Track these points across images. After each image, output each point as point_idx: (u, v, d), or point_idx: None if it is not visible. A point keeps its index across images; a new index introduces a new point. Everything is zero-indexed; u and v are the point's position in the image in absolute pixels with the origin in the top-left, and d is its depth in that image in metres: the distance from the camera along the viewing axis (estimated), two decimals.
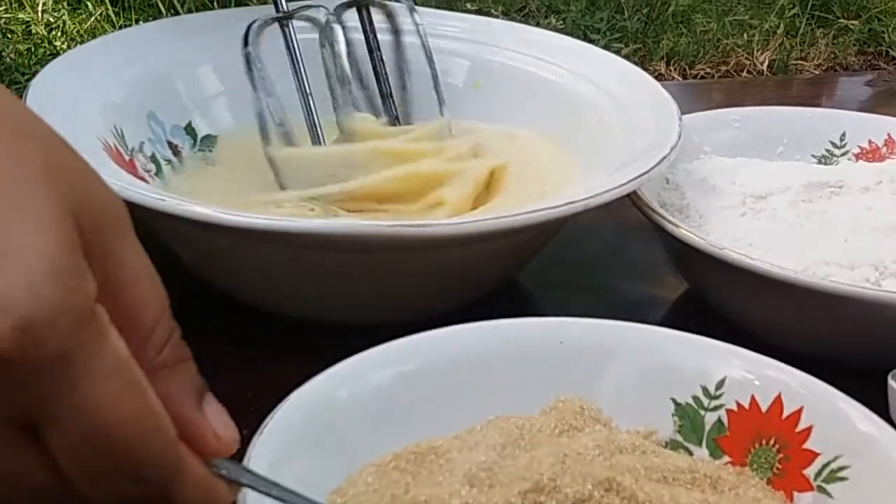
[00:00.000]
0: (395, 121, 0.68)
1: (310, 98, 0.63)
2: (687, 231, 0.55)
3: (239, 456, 0.40)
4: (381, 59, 0.68)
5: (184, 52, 0.66)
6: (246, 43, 0.63)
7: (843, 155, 0.70)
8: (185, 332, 0.59)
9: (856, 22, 2.43)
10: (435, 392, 0.46)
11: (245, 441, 0.41)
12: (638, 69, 0.67)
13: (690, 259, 0.58)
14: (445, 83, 0.69)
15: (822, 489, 0.43)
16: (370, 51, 0.68)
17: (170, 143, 0.65)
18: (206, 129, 0.67)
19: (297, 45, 0.64)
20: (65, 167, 0.31)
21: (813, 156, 0.70)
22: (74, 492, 0.30)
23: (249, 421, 0.42)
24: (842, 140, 0.70)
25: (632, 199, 0.58)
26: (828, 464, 0.43)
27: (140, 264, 0.32)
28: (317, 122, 0.63)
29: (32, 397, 0.28)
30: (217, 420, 0.34)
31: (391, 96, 0.68)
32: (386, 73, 0.68)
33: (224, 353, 0.56)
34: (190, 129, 0.66)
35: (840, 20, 2.44)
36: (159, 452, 0.31)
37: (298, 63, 0.64)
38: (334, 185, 0.59)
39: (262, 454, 0.40)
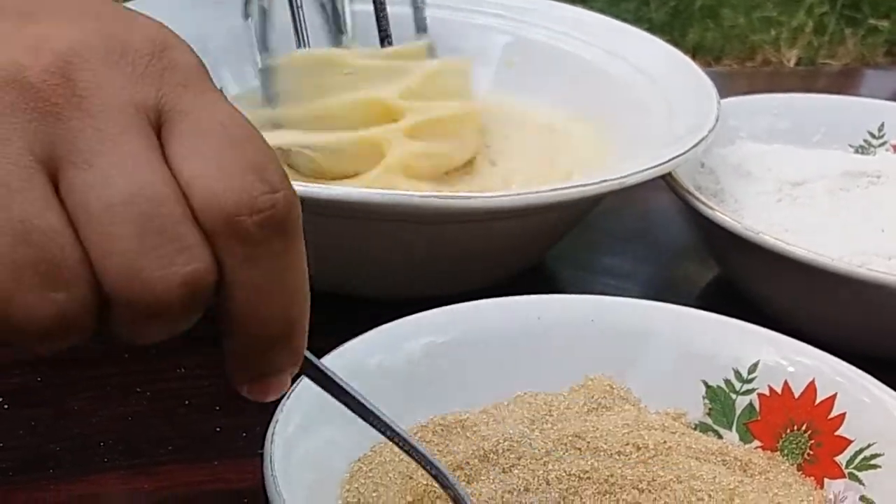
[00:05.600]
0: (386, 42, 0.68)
1: (300, 11, 0.63)
2: (723, 215, 0.54)
3: (266, 419, 0.40)
4: None
5: (219, 16, 0.66)
6: None
7: (881, 145, 0.69)
8: None
9: (885, 22, 2.41)
10: (465, 365, 0.45)
11: (274, 405, 0.41)
12: (676, 50, 0.66)
13: (725, 244, 0.57)
14: (480, 59, 0.69)
15: (853, 476, 0.43)
16: None
17: None
18: (236, 94, 0.66)
19: None
20: None
21: (850, 145, 0.69)
22: (188, 216, 0.27)
23: None
24: (880, 131, 0.69)
25: (667, 182, 0.58)
26: (860, 451, 0.43)
27: None
28: (305, 33, 0.64)
29: (170, 83, 0.28)
30: None
31: (384, 17, 0.67)
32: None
33: None
34: None
35: (869, 20, 2.42)
36: (283, 172, 0.29)
37: None
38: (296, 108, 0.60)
39: (290, 417, 0.40)
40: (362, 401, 0.35)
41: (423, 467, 0.37)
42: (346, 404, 0.35)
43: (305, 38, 0.64)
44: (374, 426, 0.36)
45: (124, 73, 0.28)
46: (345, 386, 0.35)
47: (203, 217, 0.27)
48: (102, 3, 0.30)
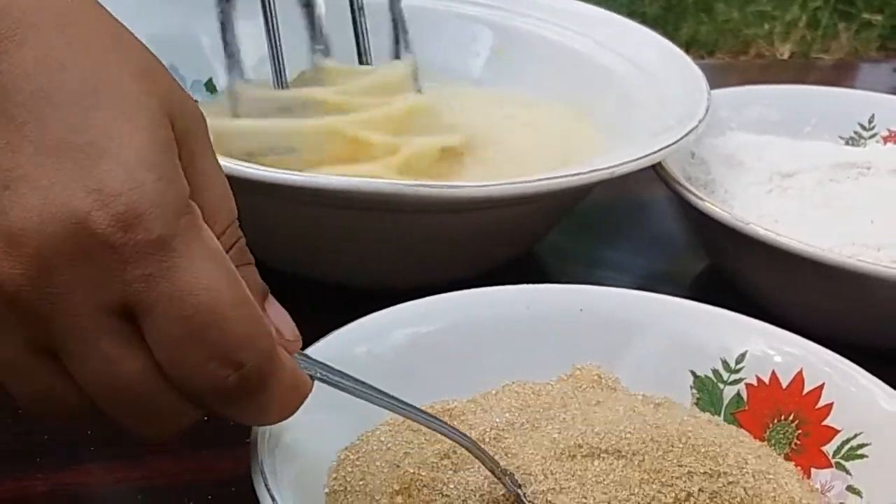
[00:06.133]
0: (365, 60, 0.66)
1: (277, 42, 0.62)
2: (712, 205, 0.54)
3: None
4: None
5: (209, 5, 0.65)
6: None
7: (871, 137, 0.69)
8: None
9: (879, 17, 2.41)
10: (453, 354, 0.45)
11: None
12: (667, 41, 0.66)
13: (714, 234, 0.57)
14: (469, 49, 0.69)
15: (840, 466, 0.43)
16: None
17: None
18: (226, 86, 0.66)
19: None
20: (159, 74, 0.32)
21: (841, 137, 0.69)
22: (169, 387, 0.31)
23: None
24: (870, 122, 0.69)
25: (657, 172, 0.58)
26: (847, 441, 0.43)
27: (216, 173, 0.34)
28: (282, 67, 0.62)
29: (134, 281, 0.29)
30: (280, 319, 0.35)
31: (364, 32, 0.66)
32: (361, 5, 0.66)
33: None
34: (210, 85, 0.66)
35: (863, 14, 2.42)
36: (256, 336, 0.31)
37: (271, 8, 0.62)
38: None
39: None
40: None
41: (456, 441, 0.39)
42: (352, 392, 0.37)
43: (279, 55, 0.62)
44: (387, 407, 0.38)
45: (89, 278, 0.29)
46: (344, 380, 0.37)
47: (181, 389, 0.31)
48: (71, 134, 0.30)
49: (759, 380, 0.46)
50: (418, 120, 0.60)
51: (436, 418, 0.39)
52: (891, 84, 0.98)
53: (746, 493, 0.39)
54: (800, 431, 0.44)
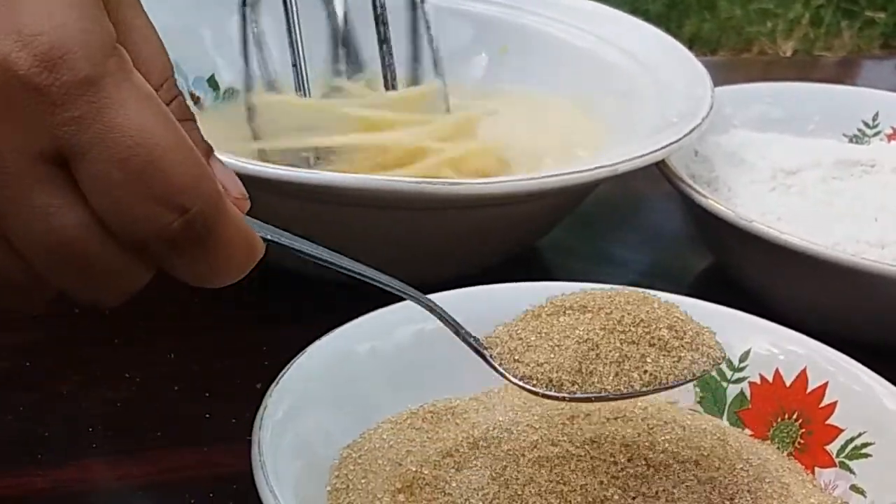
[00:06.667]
0: (391, 87, 0.66)
1: (300, 51, 0.62)
2: (716, 202, 0.54)
3: (256, 404, 0.40)
4: (385, 22, 0.65)
5: (213, 2, 0.65)
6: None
7: (875, 135, 0.69)
8: (203, 290, 0.59)
9: (882, 14, 2.41)
10: (455, 352, 0.44)
11: (261, 393, 0.40)
12: (669, 38, 0.66)
13: (718, 232, 0.57)
14: (473, 47, 0.69)
15: (844, 465, 0.43)
16: (375, 12, 0.66)
17: (191, 94, 0.64)
18: (229, 82, 0.66)
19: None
20: None
21: (844, 135, 0.69)
22: (109, 239, 0.30)
23: (263, 376, 0.42)
24: (874, 120, 0.69)
25: (661, 170, 0.57)
26: (851, 440, 0.43)
27: (147, 28, 0.32)
28: (305, 75, 0.62)
29: (63, 124, 0.28)
30: (226, 177, 0.33)
31: (390, 60, 0.65)
32: (387, 37, 0.66)
33: (242, 309, 0.56)
34: (213, 82, 0.66)
35: (866, 12, 2.42)
36: (198, 179, 0.29)
37: (293, 17, 0.62)
38: (312, 139, 0.58)
39: (280, 403, 0.40)
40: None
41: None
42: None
43: (306, 87, 0.62)
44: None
45: (16, 125, 0.28)
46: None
47: (124, 240, 0.30)
48: None
49: (762, 378, 0.45)
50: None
51: (386, 275, 0.38)
52: (894, 82, 0.98)
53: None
54: (803, 430, 0.44)
